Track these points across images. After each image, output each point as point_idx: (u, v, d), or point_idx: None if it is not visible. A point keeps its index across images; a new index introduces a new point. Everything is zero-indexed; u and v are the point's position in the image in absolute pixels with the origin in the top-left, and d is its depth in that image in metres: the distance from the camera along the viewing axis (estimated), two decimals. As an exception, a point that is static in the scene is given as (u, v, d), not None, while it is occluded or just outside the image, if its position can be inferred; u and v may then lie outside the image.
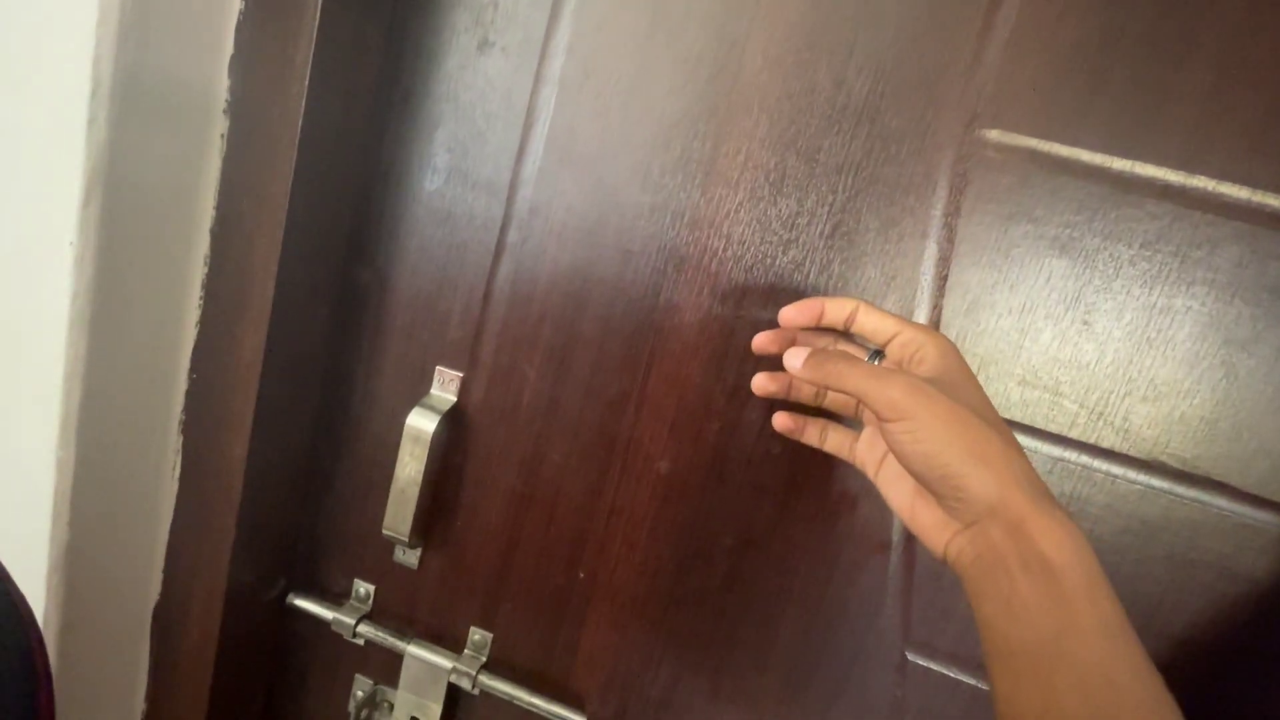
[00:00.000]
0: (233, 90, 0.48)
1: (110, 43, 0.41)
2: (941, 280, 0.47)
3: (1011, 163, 0.45)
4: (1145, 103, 0.42)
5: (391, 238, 0.56)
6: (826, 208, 0.48)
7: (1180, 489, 0.45)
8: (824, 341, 0.44)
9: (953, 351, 0.38)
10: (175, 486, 0.55)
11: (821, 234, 0.48)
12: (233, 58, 0.48)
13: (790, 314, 0.43)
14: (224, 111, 0.48)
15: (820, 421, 0.46)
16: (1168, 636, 0.48)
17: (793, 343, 0.43)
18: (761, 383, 0.46)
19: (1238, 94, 0.41)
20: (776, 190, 0.48)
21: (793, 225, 0.49)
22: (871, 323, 0.40)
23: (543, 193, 0.52)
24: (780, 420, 0.46)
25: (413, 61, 0.53)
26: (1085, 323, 0.45)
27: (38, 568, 0.49)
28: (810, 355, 0.40)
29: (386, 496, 0.56)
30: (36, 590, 0.50)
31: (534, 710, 0.57)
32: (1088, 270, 0.45)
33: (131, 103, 0.43)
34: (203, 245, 0.51)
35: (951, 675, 0.52)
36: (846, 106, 0.46)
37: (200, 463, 0.54)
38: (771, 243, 0.49)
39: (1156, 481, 0.46)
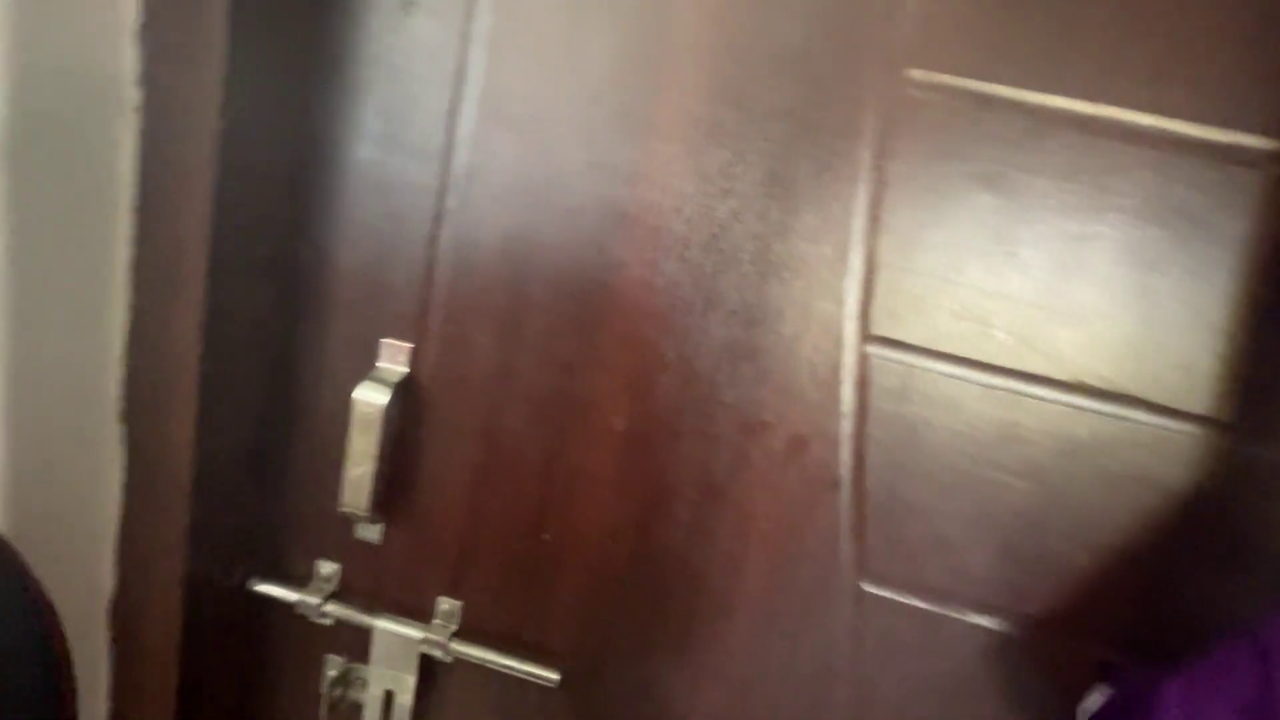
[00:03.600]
0: (144, 60, 0.46)
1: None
2: (874, 221, 0.48)
3: (935, 102, 0.46)
4: (1056, 35, 0.44)
5: (328, 210, 0.55)
6: (760, 155, 0.48)
7: (1104, 407, 0.48)
8: None
9: None
10: (121, 476, 0.54)
11: (757, 182, 0.49)
12: (142, 25, 0.46)
13: None
14: (136, 83, 0.46)
15: None
16: (1102, 547, 0.51)
17: None
18: None
19: (1141, 23, 0.43)
20: (711, 140, 0.49)
21: (729, 175, 0.49)
22: None
23: (479, 155, 0.52)
24: None
25: (337, 23, 0.51)
26: (1010, 254, 0.47)
27: None
28: None
29: (341, 474, 0.55)
30: None
31: (509, 672, 0.58)
32: (1011, 203, 0.46)
33: (31, 79, 0.41)
34: (125, 225, 0.49)
35: (905, 601, 0.54)
36: (776, 53, 0.47)
37: (144, 451, 0.53)
38: (709, 193, 0.50)
39: (1082, 401, 0.48)
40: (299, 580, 0.62)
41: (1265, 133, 0.43)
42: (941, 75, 0.46)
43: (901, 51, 0.46)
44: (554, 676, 0.58)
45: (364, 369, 0.56)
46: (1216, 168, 0.44)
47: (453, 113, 0.51)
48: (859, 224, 0.48)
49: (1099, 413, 0.48)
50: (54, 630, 0.25)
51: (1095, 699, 0.52)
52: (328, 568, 0.61)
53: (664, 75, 0.49)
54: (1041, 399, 0.49)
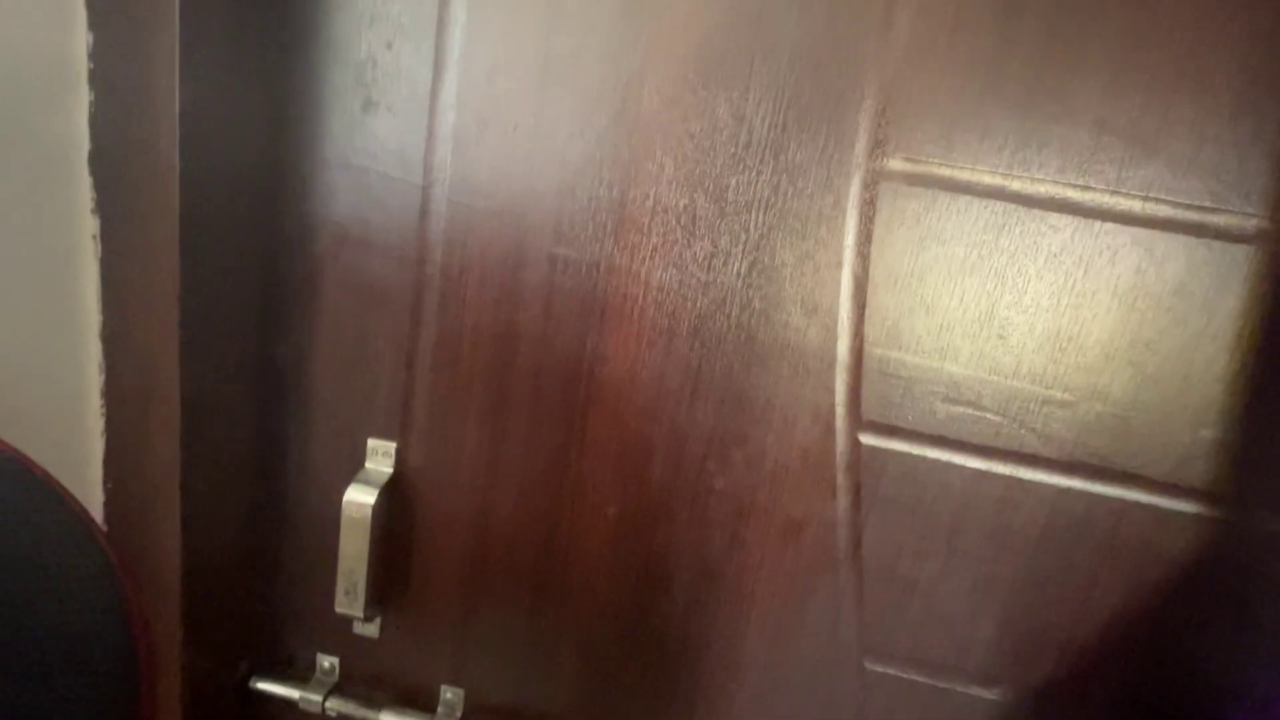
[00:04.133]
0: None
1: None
2: (860, 309, 0.47)
3: (917, 188, 0.45)
4: (1039, 117, 0.42)
5: (304, 309, 0.53)
6: (740, 246, 0.47)
7: (1099, 486, 0.47)
8: None
9: None
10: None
11: (738, 273, 0.48)
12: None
13: None
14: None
15: None
16: (1103, 616, 0.50)
17: None
18: None
19: (1126, 103, 0.42)
20: (689, 233, 0.48)
21: (709, 266, 0.48)
22: None
23: (453, 255, 0.50)
24: None
25: (299, 126, 0.50)
26: (1000, 337, 0.46)
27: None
28: None
29: (334, 571, 0.55)
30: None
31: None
32: (999, 287, 0.45)
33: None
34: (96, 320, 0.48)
35: (908, 677, 0.54)
36: (749, 142, 0.46)
37: (132, 566, 0.52)
38: (691, 285, 0.49)
39: (1077, 481, 0.48)
40: (300, 675, 0.61)
41: (1254, 208, 0.42)
42: (922, 161, 0.45)
43: (880, 137, 0.44)
44: None
45: (351, 465, 0.55)
46: (1207, 245, 0.43)
47: (424, 212, 0.50)
48: (845, 311, 0.47)
49: (1095, 491, 0.48)
50: (131, 595, 0.25)
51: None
52: (328, 661, 0.61)
53: (636, 165, 0.47)
54: (1037, 480, 0.48)
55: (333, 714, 0.60)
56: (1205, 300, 0.44)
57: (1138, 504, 0.47)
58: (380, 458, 0.55)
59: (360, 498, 0.52)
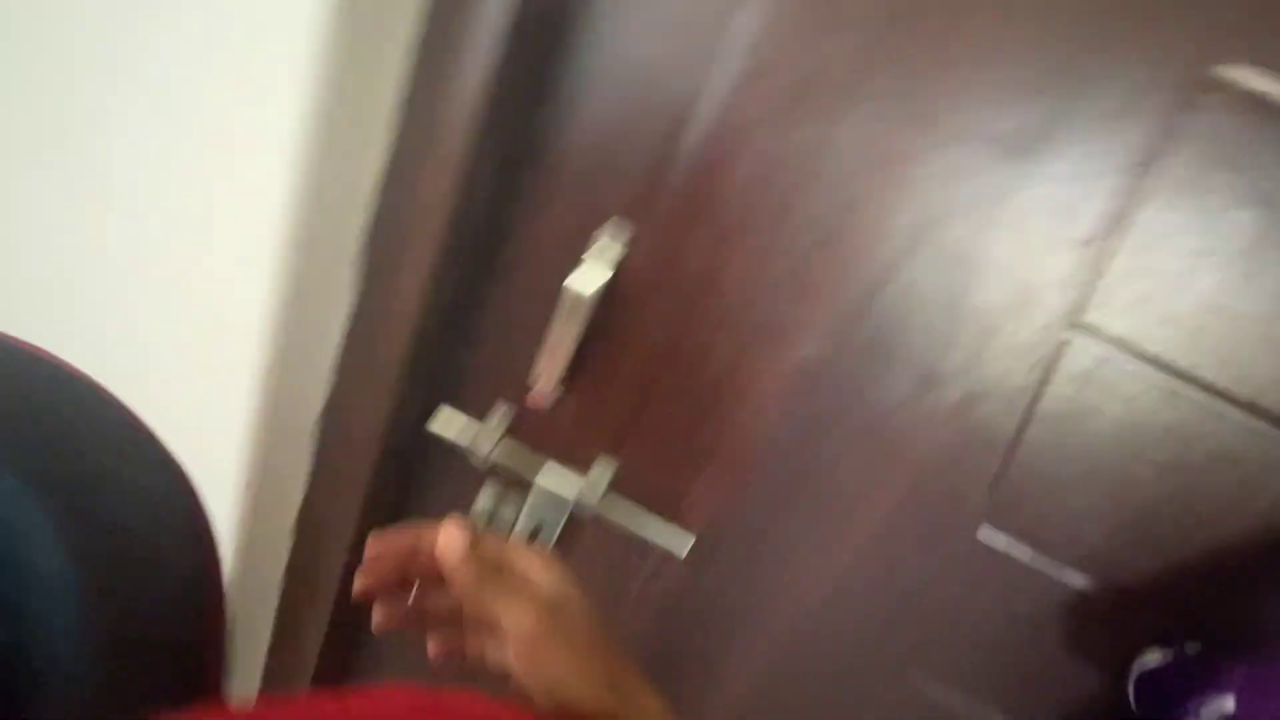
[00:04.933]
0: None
1: None
2: (1125, 215, 0.49)
3: (1230, 103, 0.45)
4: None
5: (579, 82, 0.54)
6: (1036, 113, 0.48)
7: (1270, 429, 0.52)
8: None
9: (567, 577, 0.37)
10: (353, 304, 0.58)
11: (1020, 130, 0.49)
12: None
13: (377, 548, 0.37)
14: None
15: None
16: (1207, 544, 0.57)
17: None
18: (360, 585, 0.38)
19: None
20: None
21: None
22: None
23: (750, 64, 0.50)
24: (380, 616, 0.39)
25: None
26: (1250, 275, 0.48)
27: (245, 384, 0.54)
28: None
29: (536, 338, 0.60)
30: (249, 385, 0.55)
31: (645, 535, 0.67)
32: (1272, 225, 0.47)
33: None
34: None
35: (1013, 551, 0.61)
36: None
37: (376, 292, 0.57)
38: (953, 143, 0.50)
39: (1251, 421, 0.52)
40: (476, 420, 0.68)
41: None
42: (1247, 73, 0.44)
43: (1208, 41, 0.44)
44: (684, 550, 0.67)
45: (580, 245, 0.59)
46: None
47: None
48: (1107, 213, 0.49)
49: (1263, 434, 0.52)
50: (196, 509, 0.25)
51: (1153, 658, 0.61)
52: (500, 416, 0.68)
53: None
54: (1216, 413, 0.52)
55: (496, 458, 0.67)
56: None
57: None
58: (618, 235, 0.58)
59: (584, 280, 0.56)
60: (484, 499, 0.72)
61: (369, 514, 0.69)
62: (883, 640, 0.69)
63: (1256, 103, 0.44)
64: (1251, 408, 0.52)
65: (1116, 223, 0.49)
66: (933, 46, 0.48)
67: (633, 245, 0.58)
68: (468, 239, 0.58)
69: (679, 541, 0.67)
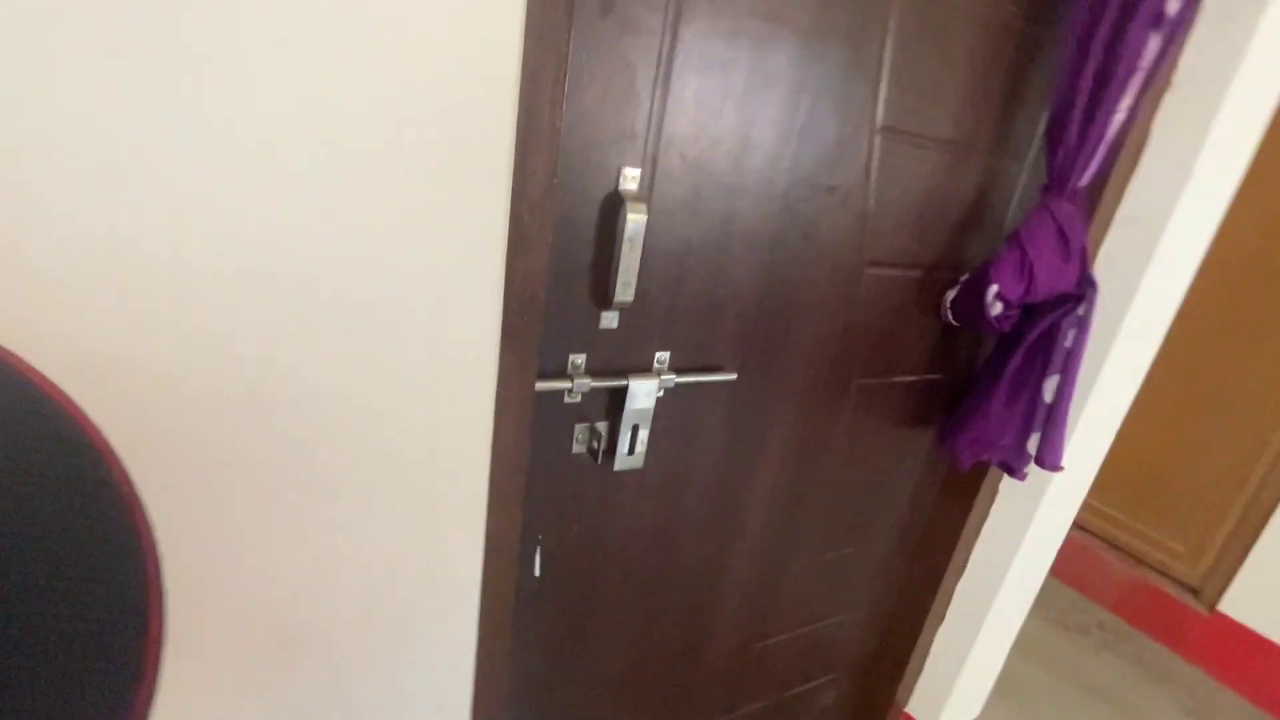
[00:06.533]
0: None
1: None
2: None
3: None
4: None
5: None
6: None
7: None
8: None
9: None
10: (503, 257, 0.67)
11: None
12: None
13: None
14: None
15: None
16: (956, 225, 1.05)
17: None
18: None
19: None
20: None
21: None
22: None
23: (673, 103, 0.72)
24: None
25: None
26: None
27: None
28: None
29: (594, 284, 0.77)
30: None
31: (707, 382, 0.92)
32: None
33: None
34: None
35: (883, 271, 1.03)
36: None
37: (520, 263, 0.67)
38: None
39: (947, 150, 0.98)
40: (562, 372, 0.82)
41: None
42: None
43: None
44: (733, 377, 0.94)
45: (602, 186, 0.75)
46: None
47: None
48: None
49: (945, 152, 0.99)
50: (130, 501, 0.25)
51: (951, 292, 1.11)
52: (578, 359, 0.83)
53: None
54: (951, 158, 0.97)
55: (585, 391, 0.83)
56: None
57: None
58: (633, 178, 0.76)
59: (637, 211, 0.74)
60: (578, 430, 0.88)
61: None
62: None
63: None
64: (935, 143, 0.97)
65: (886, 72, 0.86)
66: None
67: (643, 180, 0.77)
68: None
69: (728, 376, 0.94)
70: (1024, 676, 1.92)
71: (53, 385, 0.26)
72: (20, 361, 0.26)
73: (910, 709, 1.61)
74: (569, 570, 0.98)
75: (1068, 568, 2.32)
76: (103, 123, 0.49)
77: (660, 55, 0.72)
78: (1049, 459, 1.10)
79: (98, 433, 0.27)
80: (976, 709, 1.66)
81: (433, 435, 0.70)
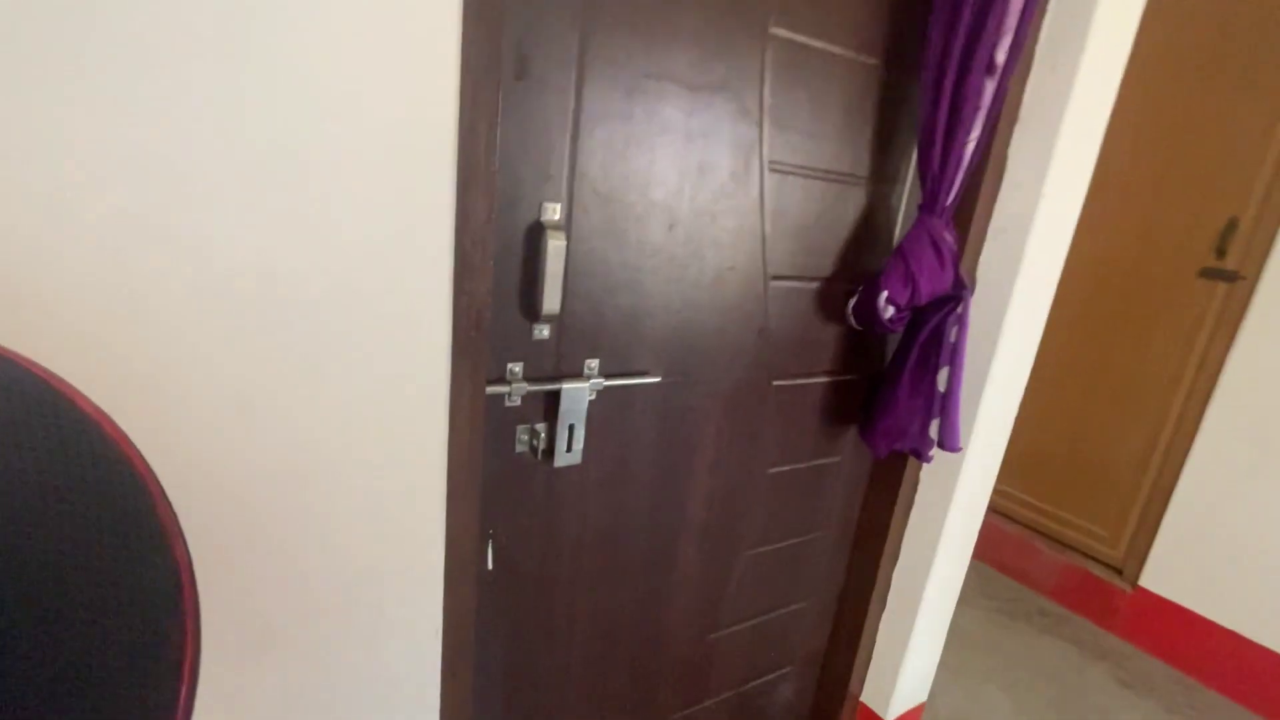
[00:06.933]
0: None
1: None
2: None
3: (780, 46, 1.01)
4: (820, 15, 1.03)
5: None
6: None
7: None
8: None
9: None
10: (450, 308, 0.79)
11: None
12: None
13: None
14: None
15: None
16: (846, 241, 1.22)
17: None
18: None
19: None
20: (700, 68, 0.95)
21: (709, 86, 0.97)
22: None
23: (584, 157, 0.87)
24: None
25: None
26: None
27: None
28: None
29: (523, 301, 0.90)
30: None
31: (633, 385, 1.05)
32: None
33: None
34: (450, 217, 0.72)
35: (785, 284, 1.18)
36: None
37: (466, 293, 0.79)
38: (700, 96, 0.97)
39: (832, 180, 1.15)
40: (504, 378, 0.94)
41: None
42: (784, 31, 1.00)
43: (765, 14, 0.98)
44: (658, 379, 1.07)
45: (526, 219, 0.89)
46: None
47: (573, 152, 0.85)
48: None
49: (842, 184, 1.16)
50: (163, 507, 0.25)
51: (853, 299, 1.27)
52: (515, 367, 0.95)
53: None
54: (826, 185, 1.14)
55: (523, 394, 0.95)
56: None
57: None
58: (556, 212, 0.90)
59: (557, 237, 0.88)
60: (520, 431, 0.99)
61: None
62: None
63: (792, 45, 1.01)
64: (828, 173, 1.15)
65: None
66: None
67: (563, 213, 0.92)
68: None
69: (653, 379, 1.07)
70: (973, 663, 2.03)
71: (110, 421, 0.27)
72: (74, 391, 0.27)
73: (864, 698, 1.71)
74: (523, 560, 1.07)
75: (1006, 559, 2.47)
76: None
77: (569, 109, 0.88)
78: (948, 441, 1.25)
79: (147, 468, 0.27)
80: (923, 694, 1.77)
81: (394, 437, 0.81)
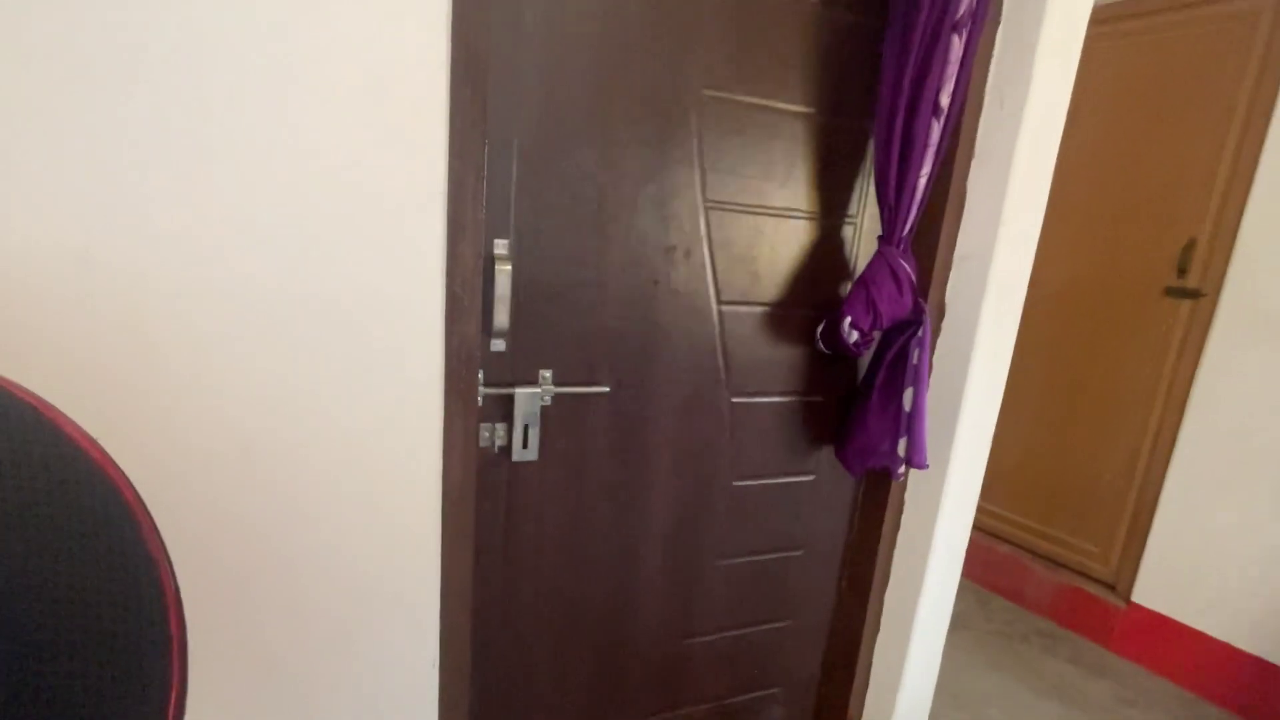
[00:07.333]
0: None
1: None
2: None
3: (714, 104, 1.10)
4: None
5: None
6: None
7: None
8: None
9: None
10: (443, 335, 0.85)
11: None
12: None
13: None
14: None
15: None
16: (801, 271, 1.29)
17: None
18: None
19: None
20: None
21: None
22: None
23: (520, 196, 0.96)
24: None
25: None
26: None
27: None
28: None
29: (485, 319, 0.97)
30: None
31: (583, 394, 1.11)
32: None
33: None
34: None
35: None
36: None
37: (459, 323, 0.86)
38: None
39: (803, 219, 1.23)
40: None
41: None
42: (716, 92, 1.10)
43: (696, 78, 1.08)
44: (607, 389, 1.14)
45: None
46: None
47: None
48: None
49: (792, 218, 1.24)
50: (149, 532, 0.24)
51: (820, 325, 1.34)
52: (479, 373, 1.02)
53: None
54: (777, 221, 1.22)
55: (488, 394, 1.02)
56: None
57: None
58: (504, 246, 0.99)
59: (504, 266, 0.96)
60: (483, 428, 1.07)
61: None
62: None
63: (722, 101, 1.10)
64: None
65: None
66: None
67: (510, 246, 1.00)
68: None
69: (603, 391, 1.14)
70: (974, 687, 2.03)
71: (93, 443, 0.26)
72: (63, 417, 0.26)
73: (863, 724, 1.71)
74: (489, 539, 1.13)
75: (1002, 581, 2.48)
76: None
77: (511, 169, 0.97)
78: (915, 458, 1.30)
79: (134, 493, 0.27)
80: (923, 717, 1.77)
81: (393, 456, 0.86)
